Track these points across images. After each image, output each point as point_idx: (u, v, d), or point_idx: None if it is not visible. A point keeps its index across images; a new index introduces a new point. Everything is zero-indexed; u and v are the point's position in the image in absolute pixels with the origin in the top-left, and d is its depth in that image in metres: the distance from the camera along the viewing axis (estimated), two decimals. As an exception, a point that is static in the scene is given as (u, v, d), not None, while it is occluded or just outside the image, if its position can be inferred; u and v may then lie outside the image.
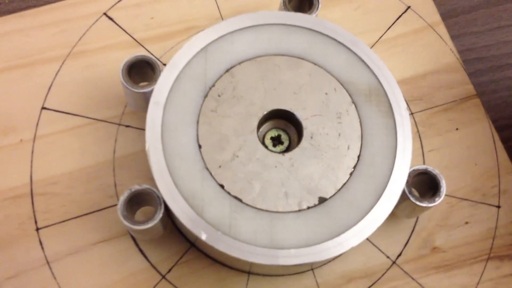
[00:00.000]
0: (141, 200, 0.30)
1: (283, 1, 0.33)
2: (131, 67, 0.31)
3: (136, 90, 0.30)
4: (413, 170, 0.30)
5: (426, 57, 0.38)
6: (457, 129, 0.36)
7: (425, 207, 0.30)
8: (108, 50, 0.36)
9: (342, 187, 0.30)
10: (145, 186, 0.29)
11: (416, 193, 0.31)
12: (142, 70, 0.31)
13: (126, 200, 0.29)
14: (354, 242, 0.28)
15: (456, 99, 0.37)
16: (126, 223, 0.28)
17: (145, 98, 0.31)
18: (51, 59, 0.36)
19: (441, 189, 0.30)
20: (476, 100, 0.37)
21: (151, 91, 0.30)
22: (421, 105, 0.37)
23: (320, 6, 0.34)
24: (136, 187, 0.29)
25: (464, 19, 0.41)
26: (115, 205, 0.33)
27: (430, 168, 0.30)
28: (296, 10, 0.34)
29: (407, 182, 0.30)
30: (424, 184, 0.31)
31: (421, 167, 0.31)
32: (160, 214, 0.29)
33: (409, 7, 0.39)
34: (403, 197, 0.30)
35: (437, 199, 0.30)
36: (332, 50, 0.32)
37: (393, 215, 0.33)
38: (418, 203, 0.30)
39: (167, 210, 0.29)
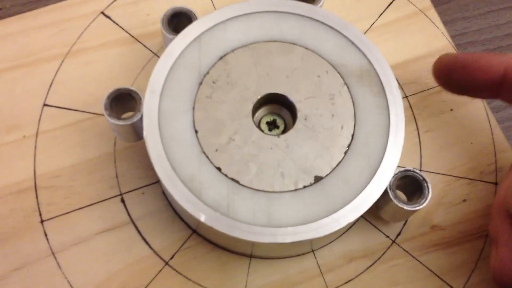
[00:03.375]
0: (124, 103, 0.31)
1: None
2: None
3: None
4: (398, 173, 0.31)
5: (418, 42, 0.38)
6: (451, 110, 0.37)
7: (410, 210, 0.30)
8: (106, 47, 0.37)
9: (337, 165, 0.30)
10: (127, 87, 0.31)
11: (402, 196, 0.32)
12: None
13: (110, 97, 0.31)
14: (350, 218, 0.29)
15: (449, 80, 0.37)
16: (109, 118, 0.30)
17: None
18: (51, 58, 0.37)
19: (426, 191, 0.30)
20: (469, 81, 0.37)
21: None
22: (415, 88, 0.37)
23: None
24: (118, 87, 0.31)
25: (455, 4, 0.42)
26: (118, 195, 0.34)
27: (413, 169, 0.31)
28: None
29: (392, 185, 0.30)
30: (411, 185, 0.31)
31: (405, 168, 0.31)
32: (139, 115, 0.30)
33: (399, -7, 0.40)
34: (387, 200, 0.30)
35: (422, 201, 0.30)
36: (323, 34, 0.33)
37: (381, 220, 0.33)
38: (402, 206, 0.30)
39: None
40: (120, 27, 0.38)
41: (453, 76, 0.32)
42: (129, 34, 0.38)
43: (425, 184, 0.30)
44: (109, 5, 0.38)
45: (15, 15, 0.38)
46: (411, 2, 0.39)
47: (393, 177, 0.30)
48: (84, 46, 0.37)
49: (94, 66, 0.37)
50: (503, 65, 0.30)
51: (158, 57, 0.37)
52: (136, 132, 0.31)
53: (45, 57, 0.37)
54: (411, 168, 0.31)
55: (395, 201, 0.30)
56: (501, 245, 0.29)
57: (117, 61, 0.37)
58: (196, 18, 0.33)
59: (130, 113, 0.31)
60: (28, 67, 0.36)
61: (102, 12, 0.38)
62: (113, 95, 0.31)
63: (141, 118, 0.30)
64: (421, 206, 0.30)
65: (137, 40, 0.37)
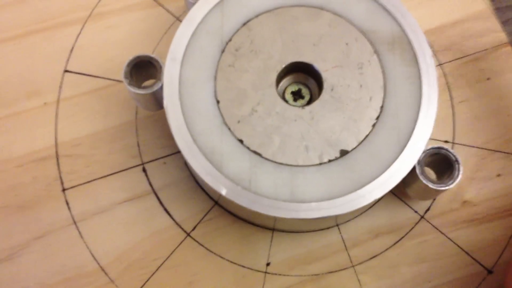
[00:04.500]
0: (145, 71, 0.30)
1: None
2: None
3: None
4: (430, 149, 0.29)
5: (454, 5, 0.36)
6: (488, 79, 0.35)
7: (437, 190, 0.29)
8: (127, 10, 0.36)
9: (364, 139, 0.29)
10: (148, 54, 0.30)
11: (430, 174, 0.30)
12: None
13: (131, 65, 0.30)
14: (377, 194, 0.28)
15: (487, 47, 0.35)
16: (129, 87, 0.29)
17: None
18: (72, 22, 0.36)
19: (456, 173, 0.29)
20: (508, 48, 0.35)
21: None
22: (450, 55, 0.35)
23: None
24: (138, 54, 0.30)
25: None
26: (139, 164, 0.33)
27: (446, 148, 0.29)
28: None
29: (421, 161, 0.29)
30: (442, 164, 0.30)
31: (438, 146, 0.29)
32: (159, 84, 0.29)
33: (436, -50, 0.37)
34: (414, 177, 0.29)
35: (450, 182, 0.29)
36: (353, -1, 0.31)
37: (407, 196, 0.32)
38: (428, 184, 0.28)
39: None
40: (142, -11, 0.36)
41: None
42: (151, -3, 0.36)
43: (457, 166, 0.29)
44: (130, -33, 0.37)
45: (34, -23, 0.37)
46: (448, -37, 0.37)
47: (423, 153, 0.29)
48: (105, 9, 0.36)
49: (115, 31, 0.36)
50: None
51: (181, 21, 0.35)
52: (157, 101, 0.30)
53: (66, 21, 0.36)
54: (444, 147, 0.29)
55: (422, 178, 0.28)
56: None
57: (139, 25, 0.36)
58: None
59: (151, 81, 0.30)
60: (48, 31, 0.36)
61: (123, -26, 0.37)
62: (133, 62, 0.30)
63: (161, 87, 0.29)
64: (448, 187, 0.28)
65: (159, 4, 0.36)
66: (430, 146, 0.29)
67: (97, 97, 0.34)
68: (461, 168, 0.29)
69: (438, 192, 0.29)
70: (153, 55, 0.30)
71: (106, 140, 0.34)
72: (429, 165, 0.30)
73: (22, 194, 0.33)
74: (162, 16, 0.36)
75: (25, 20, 0.36)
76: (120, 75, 0.34)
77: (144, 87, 0.30)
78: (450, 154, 0.29)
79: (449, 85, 0.35)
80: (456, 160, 0.29)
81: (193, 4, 0.31)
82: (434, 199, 0.33)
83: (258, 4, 0.31)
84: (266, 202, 0.28)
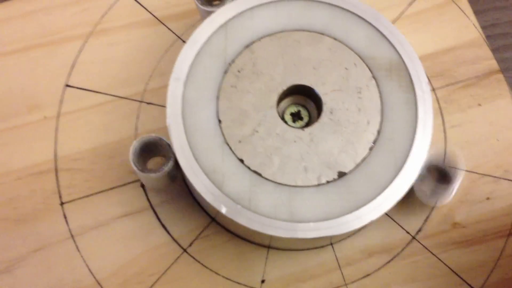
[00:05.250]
0: (154, 149, 0.31)
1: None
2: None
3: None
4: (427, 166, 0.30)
5: (448, 33, 0.37)
6: (479, 104, 0.36)
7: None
8: (130, 28, 0.37)
9: (361, 161, 0.30)
10: (156, 135, 0.30)
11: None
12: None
13: (138, 148, 0.30)
14: (373, 216, 0.29)
15: (478, 74, 0.37)
16: (137, 170, 0.29)
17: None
18: (74, 37, 0.36)
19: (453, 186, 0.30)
20: (499, 75, 0.37)
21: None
22: (443, 81, 0.36)
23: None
24: (147, 136, 0.30)
25: (489, -7, 0.41)
26: (138, 180, 0.33)
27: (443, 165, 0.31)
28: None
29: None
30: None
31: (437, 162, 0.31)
32: (169, 164, 0.30)
33: (432, -19, 0.39)
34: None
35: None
36: (353, 25, 0.32)
37: (402, 215, 0.33)
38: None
39: (177, 164, 0.29)
40: (144, 8, 0.37)
41: None
42: (153, 15, 0.37)
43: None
44: (133, -15, 0.38)
45: (38, -8, 0.38)
46: (443, -8, 0.38)
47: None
48: (107, 26, 0.37)
49: (117, 48, 0.36)
50: None
51: (182, 40, 0.36)
52: (168, 178, 0.31)
53: (68, 36, 0.36)
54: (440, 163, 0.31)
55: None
56: None
57: (141, 43, 0.36)
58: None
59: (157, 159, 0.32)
60: (50, 46, 0.36)
61: (126, -8, 0.37)
62: (138, 148, 0.30)
63: (172, 167, 0.30)
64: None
65: (161, 22, 0.37)
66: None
67: (97, 112, 0.35)
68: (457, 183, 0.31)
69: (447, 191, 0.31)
70: (161, 136, 0.30)
71: (106, 155, 0.34)
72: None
73: (20, 207, 0.33)
74: (164, 34, 0.37)
75: (28, 34, 0.36)
76: (121, 92, 0.35)
77: (154, 171, 0.30)
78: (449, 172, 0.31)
79: (442, 110, 0.36)
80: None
81: (208, 12, 0.31)
82: (426, 220, 0.34)
83: (261, 28, 0.32)
84: (265, 221, 0.28)
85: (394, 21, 0.37)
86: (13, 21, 0.37)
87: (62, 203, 0.33)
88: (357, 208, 0.29)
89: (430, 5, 0.38)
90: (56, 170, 0.34)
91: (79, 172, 0.34)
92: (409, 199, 0.32)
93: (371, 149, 0.30)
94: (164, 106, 0.33)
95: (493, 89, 0.36)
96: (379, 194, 0.29)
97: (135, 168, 0.30)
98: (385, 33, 0.31)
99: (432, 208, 0.34)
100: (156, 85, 0.36)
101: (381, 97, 0.31)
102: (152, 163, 0.32)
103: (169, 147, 0.30)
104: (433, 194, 0.32)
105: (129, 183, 0.34)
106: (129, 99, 0.35)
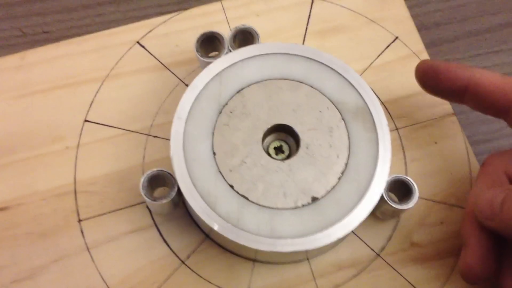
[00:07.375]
0: (159, 180, 0.36)
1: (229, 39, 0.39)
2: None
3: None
4: (391, 178, 0.36)
5: (411, 81, 0.42)
6: (436, 142, 0.42)
7: (401, 209, 0.36)
8: (140, 72, 0.43)
9: (331, 189, 0.35)
10: (163, 169, 0.35)
11: (394, 198, 0.37)
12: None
13: (146, 179, 0.35)
14: (340, 234, 0.34)
15: (436, 117, 0.42)
16: (146, 198, 0.35)
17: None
18: (92, 80, 0.42)
19: (413, 194, 0.36)
20: (453, 118, 0.42)
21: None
22: (405, 121, 0.42)
23: (259, 39, 0.39)
24: (154, 170, 0.35)
25: (447, 47, 0.47)
26: (143, 202, 0.39)
27: (404, 176, 0.36)
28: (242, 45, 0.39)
29: (386, 188, 0.36)
30: (401, 190, 0.37)
31: (398, 176, 0.36)
32: (173, 193, 0.35)
33: (397, 37, 0.45)
34: (383, 201, 0.36)
35: (410, 203, 0.36)
36: (326, 75, 0.38)
37: (377, 218, 0.39)
38: (395, 206, 0.36)
39: (179, 192, 0.35)
40: (153, 55, 0.43)
41: (427, 81, 0.38)
42: (159, 62, 0.43)
43: (414, 189, 0.36)
44: (144, 36, 0.44)
45: (61, 39, 0.44)
46: (406, 45, 0.44)
47: (388, 180, 0.36)
48: (120, 71, 0.43)
49: (128, 89, 0.42)
50: (466, 76, 0.36)
51: (184, 83, 0.42)
52: (172, 204, 0.36)
53: (87, 79, 0.42)
54: (403, 176, 0.37)
55: (389, 202, 0.36)
56: (469, 248, 0.34)
57: (149, 85, 0.42)
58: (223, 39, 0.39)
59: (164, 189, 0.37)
60: (72, 87, 0.42)
61: (138, 42, 0.44)
62: (146, 179, 0.36)
63: (176, 194, 0.35)
64: (408, 207, 0.36)
65: (166, 68, 0.43)
66: (392, 176, 0.36)
67: (111, 143, 0.40)
68: (417, 191, 0.36)
69: (402, 211, 0.36)
70: (166, 170, 0.36)
71: (117, 180, 0.39)
72: (392, 191, 0.37)
73: (43, 223, 0.38)
74: (169, 78, 0.42)
75: (54, 76, 0.42)
76: (131, 126, 0.40)
77: (161, 198, 0.35)
78: (408, 180, 0.36)
79: (404, 147, 0.42)
80: (413, 185, 0.36)
81: (206, 62, 0.37)
82: (389, 240, 0.39)
83: (250, 76, 0.38)
84: (250, 237, 0.34)
85: (364, 70, 0.44)
86: (41, 64, 0.42)
87: (79, 220, 0.38)
88: (327, 227, 0.34)
89: (396, 57, 0.44)
90: (75, 192, 0.39)
91: (95, 194, 0.39)
92: (375, 222, 0.38)
93: (339, 178, 0.36)
94: (168, 139, 0.38)
95: (448, 129, 0.42)
96: (345, 216, 0.35)
97: (145, 198, 0.35)
98: (353, 82, 0.38)
99: (394, 229, 0.39)
100: (161, 121, 0.41)
101: (349, 135, 0.37)
102: (157, 192, 0.38)
103: (172, 177, 0.35)
104: (391, 215, 0.37)
105: (136, 204, 0.39)
106: (138, 132, 0.41)
